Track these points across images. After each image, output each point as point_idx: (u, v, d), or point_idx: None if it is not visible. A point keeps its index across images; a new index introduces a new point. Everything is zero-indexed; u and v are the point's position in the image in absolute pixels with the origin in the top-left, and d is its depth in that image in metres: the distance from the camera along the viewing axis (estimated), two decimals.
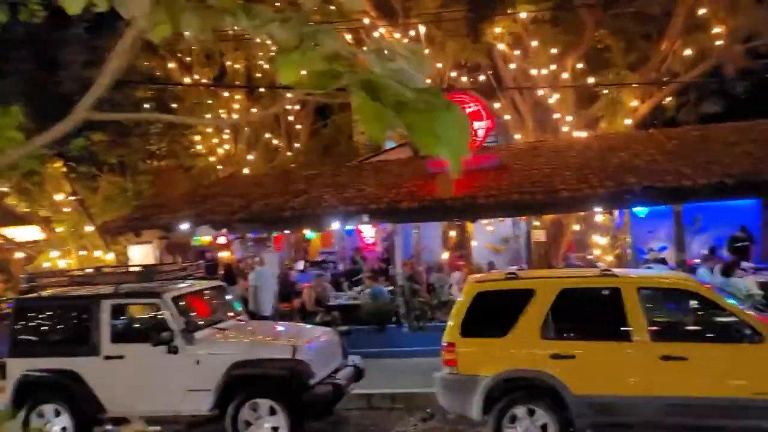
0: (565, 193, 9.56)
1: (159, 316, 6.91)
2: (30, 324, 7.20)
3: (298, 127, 18.57)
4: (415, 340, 10.58)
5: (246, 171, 16.66)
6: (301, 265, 15.32)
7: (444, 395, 6.08)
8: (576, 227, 14.98)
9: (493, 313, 5.94)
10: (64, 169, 12.11)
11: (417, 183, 11.91)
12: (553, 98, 14.19)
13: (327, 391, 6.61)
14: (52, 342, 7.12)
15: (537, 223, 15.25)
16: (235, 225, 11.38)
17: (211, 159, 16.51)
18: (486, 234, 17.24)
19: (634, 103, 14.41)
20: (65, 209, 12.48)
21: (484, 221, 16.95)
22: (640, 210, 11.03)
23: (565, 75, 14.17)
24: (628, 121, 14.40)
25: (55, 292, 7.46)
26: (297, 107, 17.48)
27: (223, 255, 14.53)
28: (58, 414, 6.96)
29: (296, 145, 18.65)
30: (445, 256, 15.72)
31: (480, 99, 13.31)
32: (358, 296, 12.41)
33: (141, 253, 12.60)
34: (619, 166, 10.30)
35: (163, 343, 6.72)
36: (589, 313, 5.85)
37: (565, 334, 5.74)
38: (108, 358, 6.89)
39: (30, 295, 7.37)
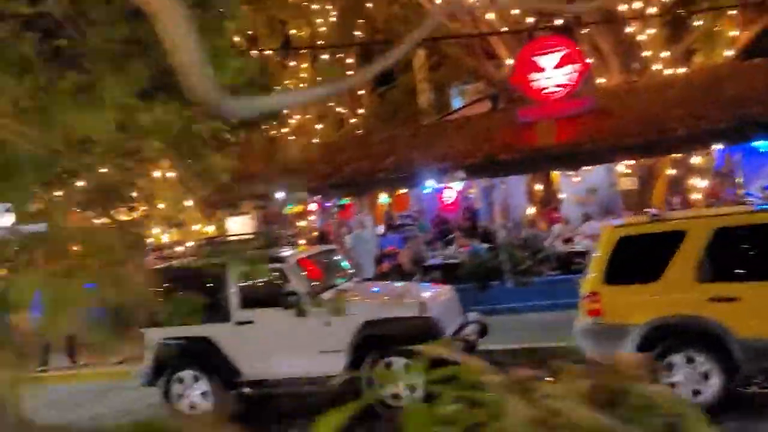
0: (681, 130, 9.01)
1: (283, 281, 6.95)
2: (165, 292, 7.37)
3: (361, 92, 18.21)
4: (520, 295, 10.39)
5: (315, 141, 16.56)
6: (381, 229, 15.27)
7: (589, 346, 5.86)
8: (670, 171, 14.25)
9: (640, 258, 5.65)
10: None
11: (510, 134, 11.53)
12: (643, 34, 13.33)
13: (459, 348, 6.51)
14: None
15: (626, 170, 14.62)
16: (328, 191, 11.36)
17: (284, 130, 16.44)
18: (572, 185, 16.65)
19: (734, 32, 13.42)
20: (163, 185, 12.72)
21: (570, 172, 16.40)
22: (763, 144, 10.28)
23: (652, 10, 13.27)
24: (729, 53, 13.44)
25: (185, 261, 7.62)
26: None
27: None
28: (196, 380, 7.16)
29: (360, 111, 18.37)
30: (531, 210, 15.30)
31: (570, 41, 12.66)
32: (453, 256, 12.27)
33: (239, 225, 12.81)
34: (734, 99, 9.60)
35: (291, 306, 6.76)
36: (751, 252, 5.47)
37: (724, 276, 5.39)
38: (239, 323, 7.01)
39: (162, 265, 7.54)
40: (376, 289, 7.65)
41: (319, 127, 17.27)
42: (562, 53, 12.35)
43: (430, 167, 10.74)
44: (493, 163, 10.30)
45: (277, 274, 7.02)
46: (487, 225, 13.32)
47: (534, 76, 12.36)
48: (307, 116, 17.14)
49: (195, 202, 12.39)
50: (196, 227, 12.87)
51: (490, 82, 17.48)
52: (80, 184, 3.98)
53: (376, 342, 6.60)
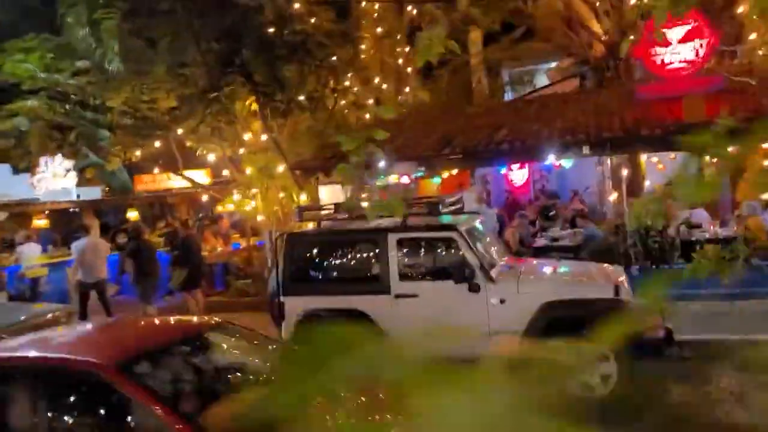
0: None
1: (454, 252, 6.23)
2: (306, 260, 6.70)
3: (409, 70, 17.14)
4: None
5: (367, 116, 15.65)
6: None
7: None
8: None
9: None
10: (255, 106, 11.61)
11: (640, 110, 10.67)
12: None
13: (661, 334, 5.77)
14: (334, 279, 6.59)
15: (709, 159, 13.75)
16: (438, 161, 10.59)
17: (342, 102, 15.57)
18: (655, 172, 15.84)
19: None
20: (252, 149, 12.07)
21: (655, 158, 15.54)
22: None
23: None
24: None
25: (332, 226, 6.93)
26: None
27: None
28: None
29: (406, 89, 17.35)
30: (614, 196, 14.48)
31: (698, 14, 11.71)
32: (559, 237, 11.55)
33: (330, 193, 12.11)
34: None
35: (466, 280, 6.05)
36: None
37: None
38: (399, 296, 6.30)
39: (304, 230, 6.85)
40: (546, 266, 6.90)
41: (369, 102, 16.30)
42: (689, 26, 11.43)
43: (554, 141, 9.93)
44: (633, 137, 9.45)
45: (446, 244, 6.30)
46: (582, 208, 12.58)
47: (659, 50, 11.48)
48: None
49: (286, 167, 11.83)
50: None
51: (579, 59, 16.66)
52: None
53: (559, 325, 5.86)
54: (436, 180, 15.82)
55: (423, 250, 6.45)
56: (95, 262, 10.71)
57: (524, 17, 16.68)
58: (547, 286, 6.05)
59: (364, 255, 6.51)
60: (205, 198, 13.61)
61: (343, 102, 12.78)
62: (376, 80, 14.93)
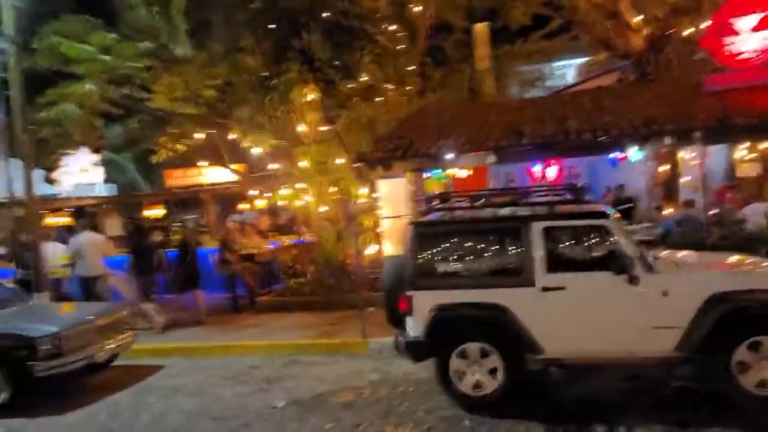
0: None
1: (606, 240, 5.78)
2: (437, 252, 6.18)
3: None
4: None
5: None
6: None
7: None
8: None
9: None
10: (314, 95, 11.05)
11: (710, 101, 10.38)
12: None
13: None
14: (469, 272, 6.08)
15: (748, 154, 13.59)
16: (515, 151, 10.15)
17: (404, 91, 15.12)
18: (690, 169, 15.63)
19: None
20: (307, 141, 11.52)
21: (688, 156, 15.35)
22: None
23: None
24: None
25: (467, 215, 6.42)
26: None
27: None
28: (484, 355, 5.98)
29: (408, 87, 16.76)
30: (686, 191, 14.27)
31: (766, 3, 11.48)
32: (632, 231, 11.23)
33: (391, 188, 11.60)
34: None
35: (624, 271, 5.60)
36: None
37: None
38: (546, 289, 5.81)
39: (434, 219, 6.33)
40: (692, 256, 6.48)
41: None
42: (761, 15, 11.17)
43: (637, 131, 9.56)
44: (728, 128, 9.12)
45: (598, 232, 5.84)
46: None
47: (728, 39, 11.20)
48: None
49: (347, 160, 11.28)
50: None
51: (617, 53, 16.36)
52: None
53: (733, 319, 5.43)
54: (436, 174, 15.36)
55: (571, 239, 5.98)
56: (94, 257, 10.71)
57: (562, 10, 16.36)
58: (712, 277, 5.62)
59: (504, 245, 6.01)
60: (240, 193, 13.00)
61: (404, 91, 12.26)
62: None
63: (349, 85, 10.43)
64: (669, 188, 14.79)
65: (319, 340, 9.02)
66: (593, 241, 5.87)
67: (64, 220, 15.19)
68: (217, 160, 12.27)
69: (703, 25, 14.70)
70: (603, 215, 5.86)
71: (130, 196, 16.06)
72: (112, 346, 8.09)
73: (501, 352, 5.94)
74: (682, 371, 5.99)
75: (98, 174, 14.97)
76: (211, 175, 14.35)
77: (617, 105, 11.38)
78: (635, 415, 5.52)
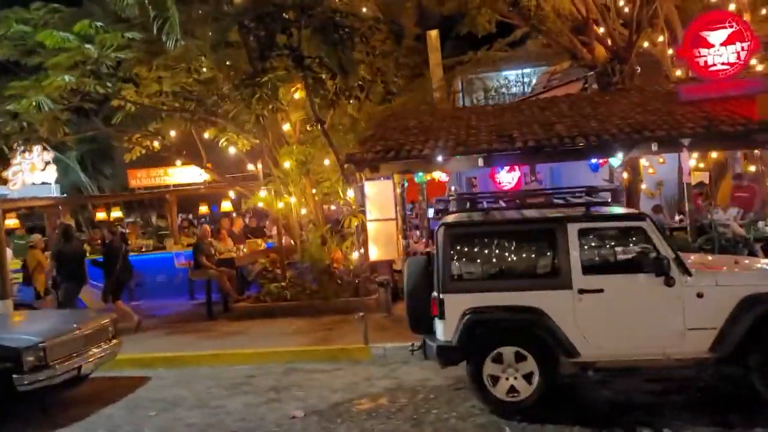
0: None
1: (643, 242, 5.78)
2: (470, 253, 6.03)
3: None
4: None
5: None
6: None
7: None
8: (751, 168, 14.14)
9: None
10: (301, 94, 10.70)
11: (688, 109, 10.74)
12: None
13: None
14: (503, 274, 5.96)
15: (700, 164, 14.31)
16: (507, 155, 10.14)
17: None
18: (647, 177, 16.37)
19: None
20: (291, 141, 11.15)
21: (646, 163, 16.00)
22: None
23: None
24: None
25: (499, 215, 6.29)
26: None
27: None
28: (519, 359, 5.86)
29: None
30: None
31: (739, 18, 12.03)
32: None
33: (377, 190, 11.39)
34: None
35: (662, 272, 5.61)
36: None
37: None
38: (582, 291, 5.76)
39: (465, 220, 6.17)
40: (719, 259, 6.59)
41: None
42: (731, 30, 11.69)
43: (629, 136, 9.73)
44: (714, 134, 9.42)
45: (634, 234, 5.83)
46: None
47: (702, 51, 11.67)
48: None
49: (334, 160, 10.96)
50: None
51: (582, 63, 16.77)
52: None
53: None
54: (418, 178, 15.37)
55: (608, 240, 5.96)
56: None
57: (530, 20, 16.61)
58: (747, 279, 5.71)
59: (539, 247, 5.92)
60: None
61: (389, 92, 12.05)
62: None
63: (338, 85, 10.13)
64: (630, 194, 15.28)
65: (317, 347, 8.69)
66: (629, 242, 5.87)
67: (12, 222, 14.16)
68: (193, 159, 11.70)
69: (660, 39, 15.41)
70: (639, 217, 5.87)
71: (88, 198, 15.11)
72: (100, 355, 7.50)
73: (536, 356, 5.83)
74: (710, 372, 6.06)
75: (51, 173, 14.01)
76: (178, 175, 13.68)
77: (598, 112, 11.61)
78: (675, 417, 5.52)
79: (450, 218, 6.25)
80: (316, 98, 10.29)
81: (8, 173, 13.64)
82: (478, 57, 19.42)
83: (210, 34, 9.55)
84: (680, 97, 11.59)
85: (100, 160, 20.04)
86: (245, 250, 12.24)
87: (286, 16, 9.80)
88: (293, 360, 8.41)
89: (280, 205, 11.40)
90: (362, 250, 10.90)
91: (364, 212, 10.44)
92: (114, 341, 7.94)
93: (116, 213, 14.90)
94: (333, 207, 12.22)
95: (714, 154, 13.38)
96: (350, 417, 6.19)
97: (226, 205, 15.20)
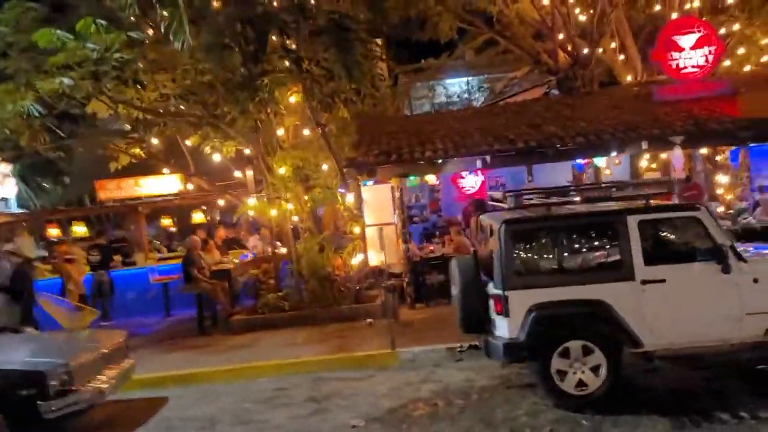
0: None
1: (699, 232, 5.96)
2: (532, 249, 6.02)
3: None
4: None
5: None
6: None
7: None
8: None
9: None
10: (297, 98, 10.39)
11: (667, 109, 11.26)
12: None
13: None
14: (565, 268, 5.98)
15: (651, 164, 15.15)
16: (497, 159, 10.26)
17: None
18: (604, 178, 17.00)
19: None
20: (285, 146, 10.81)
21: (603, 165, 16.70)
22: None
23: None
24: None
25: (559, 211, 6.30)
26: None
27: None
28: (587, 352, 5.88)
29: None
30: None
31: (706, 23, 12.74)
32: None
33: (375, 194, 11.25)
34: None
35: (720, 260, 5.80)
36: None
37: None
38: (645, 282, 5.86)
39: (527, 216, 6.16)
40: None
41: None
42: (699, 34, 12.37)
43: (627, 135, 10.05)
44: (704, 133, 9.89)
45: (691, 223, 6.00)
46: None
47: (674, 54, 12.30)
48: None
49: (333, 164, 10.71)
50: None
51: (544, 68, 17.28)
52: None
53: None
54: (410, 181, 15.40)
55: (667, 231, 6.10)
56: None
57: (492, 26, 16.95)
58: None
59: (601, 240, 5.99)
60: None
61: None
62: None
63: (335, 88, 9.93)
64: None
65: (339, 355, 8.43)
66: (687, 232, 6.03)
67: None
68: (176, 168, 11.11)
69: (612, 45, 16.12)
70: (695, 207, 6.04)
71: (54, 212, 14.06)
72: (119, 376, 6.96)
73: (603, 349, 5.87)
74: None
75: (10, 187, 12.94)
76: (151, 186, 13.01)
77: (578, 114, 11.97)
78: (740, 401, 5.69)
79: (507, 215, 6.21)
80: (313, 101, 10.04)
81: None
82: (437, 63, 19.68)
83: (203, 34, 9.13)
84: (654, 98, 12.16)
85: (41, 173, 18.75)
86: (235, 261, 11.75)
87: (283, 18, 9.50)
88: (317, 370, 8.12)
89: (273, 212, 11.03)
90: (362, 256, 10.70)
91: (365, 216, 10.25)
92: (129, 360, 7.41)
93: (80, 228, 13.94)
94: (319, 212, 11.94)
95: (664, 155, 13.84)
96: (414, 422, 6.01)
97: (197, 217, 14.57)
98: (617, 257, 5.93)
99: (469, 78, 23.57)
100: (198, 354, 9.38)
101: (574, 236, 6.06)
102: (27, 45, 8.24)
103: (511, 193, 6.59)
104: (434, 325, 9.42)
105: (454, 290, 6.63)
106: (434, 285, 10.94)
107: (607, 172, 16.69)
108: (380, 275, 10.77)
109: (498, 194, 7.20)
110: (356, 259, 10.86)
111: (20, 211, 13.33)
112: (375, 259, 10.53)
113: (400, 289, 10.79)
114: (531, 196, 6.83)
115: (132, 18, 8.41)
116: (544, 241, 6.06)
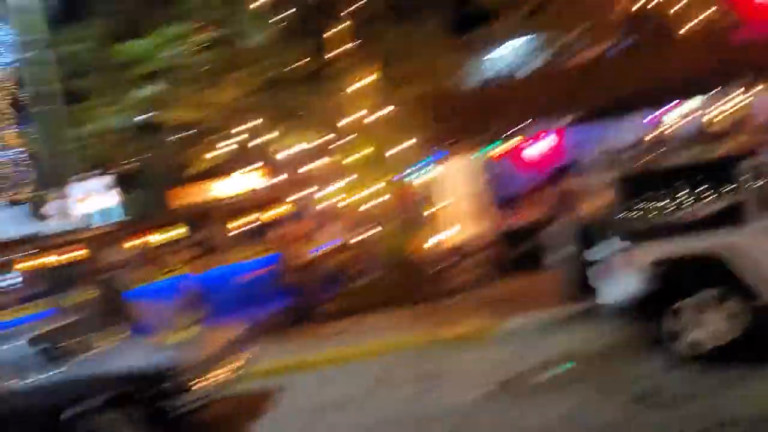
0: None
1: None
2: (649, 202, 5.89)
3: None
4: None
5: None
6: None
7: None
8: None
9: None
10: (371, 79, 10.31)
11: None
12: None
13: None
14: (685, 219, 5.82)
15: None
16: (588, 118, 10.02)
17: None
18: None
19: None
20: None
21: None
22: None
23: None
24: None
25: (672, 162, 6.15)
26: None
27: None
28: (713, 304, 5.69)
29: None
30: None
31: None
32: None
33: (452, 170, 11.23)
34: None
35: None
36: None
37: None
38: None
39: (643, 169, 6.03)
40: None
41: None
42: None
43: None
44: None
45: None
46: None
47: None
48: None
49: (409, 144, 10.69)
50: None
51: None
52: None
53: None
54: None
55: None
56: None
57: None
58: None
59: (718, 188, 5.80)
60: None
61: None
62: None
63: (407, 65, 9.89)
64: None
65: (440, 332, 8.47)
66: None
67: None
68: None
69: None
70: None
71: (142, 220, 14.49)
72: (237, 368, 7.20)
73: (729, 301, 5.67)
74: None
75: (113, 197, 13.26)
76: (228, 186, 13.32)
77: (657, 63, 11.43)
78: None
79: (620, 170, 6.07)
80: (385, 82, 10.06)
81: (53, 206, 13.01)
82: (486, 33, 19.25)
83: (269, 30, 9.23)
84: (736, 41, 11.53)
85: (126, 183, 19.30)
86: (319, 250, 11.93)
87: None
88: (422, 348, 8.18)
89: (352, 198, 11.13)
90: (444, 233, 10.71)
91: (441, 194, 10.25)
92: (244, 353, 7.64)
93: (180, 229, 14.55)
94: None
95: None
96: (534, 392, 5.99)
97: (277, 211, 14.86)
98: (736, 204, 5.71)
99: (515, 45, 23.05)
100: (300, 343, 9.62)
101: (691, 186, 5.88)
102: (106, 60, 8.49)
103: (619, 149, 6.42)
104: (528, 294, 9.31)
105: (557, 255, 6.54)
106: (522, 255, 10.81)
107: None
108: (463, 251, 10.77)
109: (603, 151, 7.05)
110: (438, 237, 10.85)
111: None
112: (458, 235, 10.54)
113: (487, 263, 10.74)
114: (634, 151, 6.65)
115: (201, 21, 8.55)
116: (660, 193, 5.90)
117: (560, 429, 5.15)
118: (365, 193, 10.97)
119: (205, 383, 6.53)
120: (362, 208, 11.24)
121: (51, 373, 6.50)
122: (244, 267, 13.32)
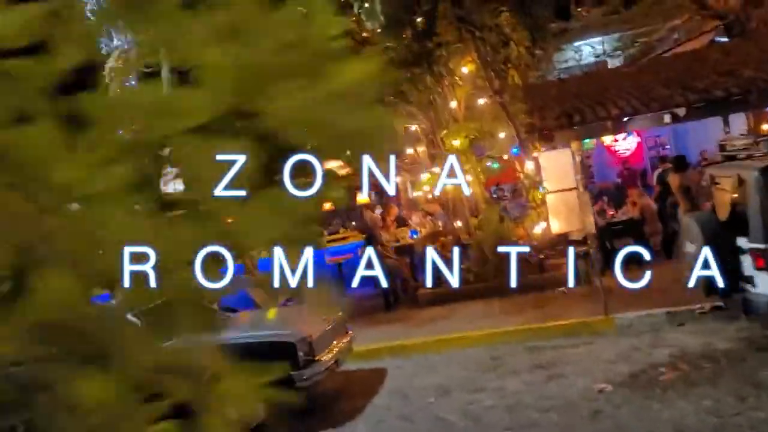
0: None
1: None
2: None
3: None
4: None
5: None
6: None
7: None
8: None
9: None
10: (470, 68, 10.29)
11: None
12: None
13: None
14: None
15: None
16: (696, 111, 9.53)
17: None
18: None
19: None
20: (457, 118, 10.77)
21: None
22: None
23: None
24: None
25: None
26: None
27: None
28: None
29: None
30: None
31: None
32: None
33: (554, 161, 10.93)
34: None
35: None
36: None
37: None
38: None
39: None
40: None
41: None
42: None
43: None
44: None
45: None
46: None
47: None
48: None
49: (509, 133, 10.56)
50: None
51: (710, 12, 15.92)
52: None
53: None
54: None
55: None
56: None
57: None
58: None
59: None
60: None
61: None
62: None
63: (509, 53, 9.69)
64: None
65: (551, 323, 8.29)
66: None
67: None
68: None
69: None
70: None
71: None
72: (345, 348, 7.26)
73: None
74: None
75: None
76: None
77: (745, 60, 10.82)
78: None
79: (762, 163, 5.74)
80: (488, 70, 9.88)
81: None
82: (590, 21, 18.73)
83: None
84: None
85: None
86: (417, 236, 11.94)
87: None
88: (527, 339, 8.03)
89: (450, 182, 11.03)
90: (545, 224, 10.46)
91: (542, 185, 10.01)
92: (350, 333, 7.71)
93: None
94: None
95: None
96: (666, 386, 5.76)
97: (362, 197, 14.95)
98: None
99: (604, 38, 22.37)
100: (398, 327, 9.61)
101: None
102: None
103: (762, 139, 6.07)
104: (639, 290, 8.96)
105: (690, 248, 6.26)
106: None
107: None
108: (564, 243, 10.50)
109: (741, 141, 6.69)
110: (539, 228, 10.63)
111: None
112: (558, 226, 10.27)
113: (589, 256, 10.44)
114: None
115: None
116: None
117: (695, 426, 4.94)
118: (466, 179, 10.86)
119: (323, 358, 6.63)
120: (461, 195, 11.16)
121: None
122: (331, 251, 13.48)
